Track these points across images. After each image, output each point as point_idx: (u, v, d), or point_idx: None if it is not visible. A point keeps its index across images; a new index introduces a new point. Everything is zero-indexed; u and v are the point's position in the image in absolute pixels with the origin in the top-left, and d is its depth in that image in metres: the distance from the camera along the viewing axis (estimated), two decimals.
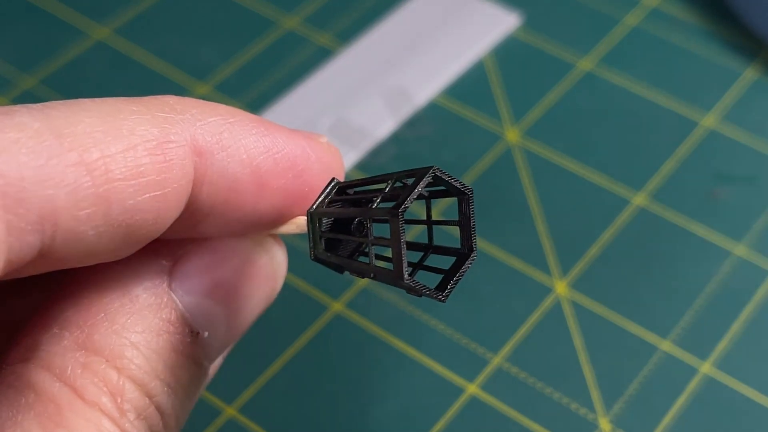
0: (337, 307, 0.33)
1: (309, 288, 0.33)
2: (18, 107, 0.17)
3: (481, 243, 0.34)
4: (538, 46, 0.41)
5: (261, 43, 0.41)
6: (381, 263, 0.19)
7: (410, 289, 0.19)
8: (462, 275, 0.19)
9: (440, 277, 0.19)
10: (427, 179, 0.18)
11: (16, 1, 0.42)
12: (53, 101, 0.18)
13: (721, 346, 0.32)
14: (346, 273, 0.21)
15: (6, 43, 0.41)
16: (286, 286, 0.33)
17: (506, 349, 0.32)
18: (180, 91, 0.39)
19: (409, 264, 0.19)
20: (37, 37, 0.41)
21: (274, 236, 0.23)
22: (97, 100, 0.18)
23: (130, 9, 0.42)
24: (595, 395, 0.31)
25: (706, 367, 0.31)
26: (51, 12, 0.42)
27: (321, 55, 0.40)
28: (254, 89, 0.39)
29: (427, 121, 0.38)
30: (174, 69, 0.40)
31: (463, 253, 0.20)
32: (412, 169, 0.19)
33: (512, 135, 0.38)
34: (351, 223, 0.21)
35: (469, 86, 0.39)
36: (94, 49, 0.41)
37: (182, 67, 0.40)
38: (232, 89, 0.39)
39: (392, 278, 0.18)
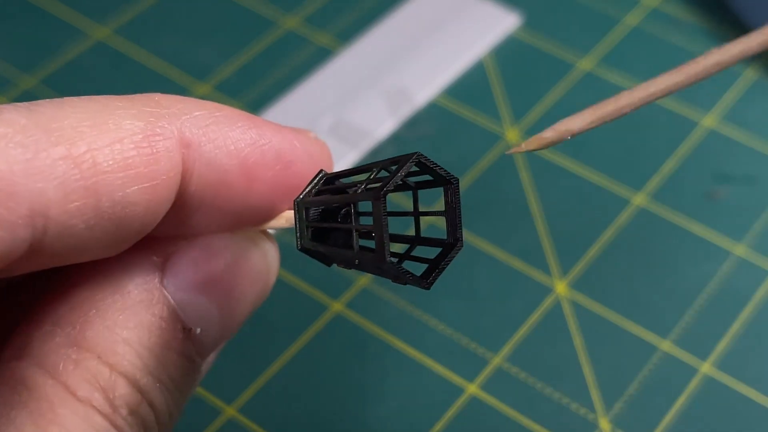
0: (337, 307, 0.33)
1: (309, 288, 0.33)
2: (4, 105, 0.18)
3: (481, 243, 0.34)
4: (538, 46, 0.41)
5: (261, 43, 0.41)
6: (366, 253, 0.19)
7: (395, 277, 0.19)
8: (447, 264, 0.19)
9: (425, 267, 0.19)
10: (410, 165, 0.18)
11: (16, 1, 0.42)
12: (40, 100, 0.18)
13: (721, 346, 0.32)
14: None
15: (6, 43, 0.41)
16: (287, 286, 0.33)
17: (506, 349, 0.32)
18: (180, 91, 0.39)
19: (396, 255, 0.19)
20: (37, 37, 0.41)
21: (266, 232, 0.23)
22: (83, 97, 0.19)
23: (130, 9, 0.42)
24: (595, 395, 0.31)
25: (706, 367, 0.31)
26: (51, 12, 0.42)
27: (321, 55, 0.40)
28: (254, 89, 0.39)
29: (427, 121, 0.38)
30: (174, 69, 0.40)
31: (449, 243, 0.20)
32: (396, 157, 0.19)
33: (512, 135, 0.38)
34: (338, 214, 0.21)
35: (469, 86, 0.39)
36: (94, 49, 0.41)
37: (182, 67, 0.40)
38: (232, 89, 0.39)
39: (376, 263, 0.18)
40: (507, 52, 0.40)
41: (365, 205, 0.19)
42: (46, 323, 0.19)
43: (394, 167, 0.19)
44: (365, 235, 0.19)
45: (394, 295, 0.33)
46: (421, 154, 0.19)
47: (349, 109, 0.38)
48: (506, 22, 0.41)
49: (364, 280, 0.33)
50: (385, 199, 0.18)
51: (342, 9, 0.42)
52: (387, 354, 0.32)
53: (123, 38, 0.41)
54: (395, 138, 0.37)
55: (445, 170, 0.19)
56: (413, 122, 0.38)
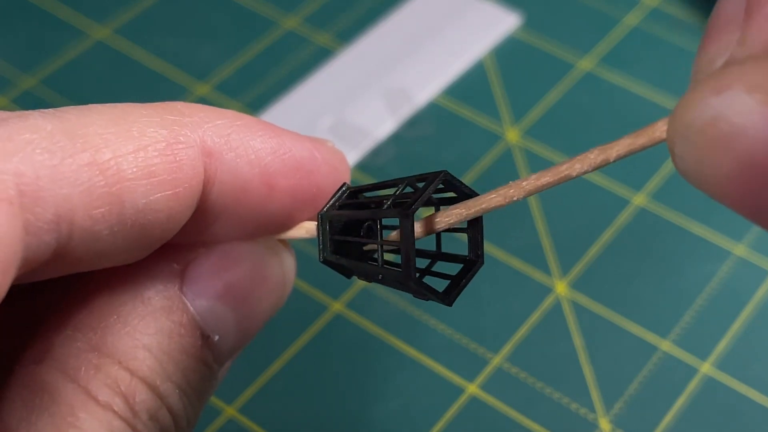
0: (337, 307, 0.33)
1: (309, 288, 0.33)
2: (30, 111, 0.18)
3: None
4: (538, 46, 0.41)
5: (261, 43, 0.41)
6: (391, 268, 0.19)
7: (417, 292, 0.19)
8: (468, 281, 0.19)
9: (446, 283, 0.20)
10: (437, 182, 0.19)
11: (16, 1, 0.42)
12: (65, 107, 0.18)
13: (721, 346, 0.32)
14: (353, 277, 0.21)
15: (6, 43, 0.41)
16: None
17: (506, 349, 0.32)
18: (180, 90, 0.39)
19: (417, 269, 0.19)
20: (37, 37, 0.41)
21: (284, 241, 0.23)
22: (107, 104, 0.19)
23: (130, 9, 0.42)
24: (595, 395, 0.31)
25: (706, 367, 0.31)
26: (51, 12, 0.42)
27: (321, 55, 0.40)
28: (254, 89, 0.39)
29: (427, 121, 0.38)
30: (174, 69, 0.40)
31: (471, 260, 0.20)
32: (422, 174, 0.19)
33: (512, 135, 0.38)
34: (361, 228, 0.21)
35: (469, 86, 0.39)
36: (94, 49, 0.41)
37: (182, 67, 0.40)
38: (232, 89, 0.39)
39: (400, 279, 0.18)
40: (507, 52, 0.40)
41: (389, 219, 0.20)
42: (66, 328, 0.20)
43: (419, 184, 0.19)
44: (387, 249, 0.19)
45: (394, 295, 0.33)
46: (448, 173, 0.19)
47: (349, 109, 0.38)
48: (506, 22, 0.41)
49: None
50: (413, 217, 0.18)
51: (342, 9, 0.42)
52: (387, 354, 0.32)
53: (123, 38, 0.41)
54: (395, 138, 0.38)
55: (470, 188, 0.19)
56: (413, 122, 0.38)
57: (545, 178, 0.18)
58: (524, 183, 0.19)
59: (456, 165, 0.37)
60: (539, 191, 0.19)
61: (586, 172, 0.18)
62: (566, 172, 0.18)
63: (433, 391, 0.31)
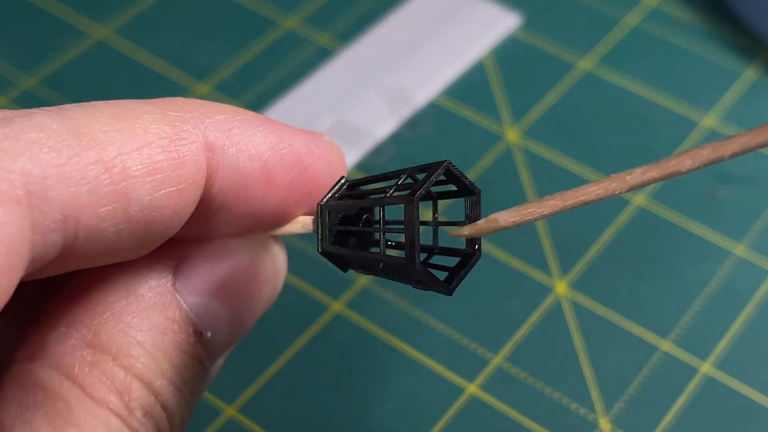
0: (337, 307, 0.33)
1: (309, 288, 0.33)
2: (35, 110, 0.18)
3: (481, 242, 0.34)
4: (538, 46, 0.41)
5: (261, 43, 0.41)
6: (393, 257, 0.19)
7: (418, 281, 0.19)
8: (468, 271, 0.20)
9: (445, 275, 0.20)
10: (441, 171, 0.19)
11: (16, 1, 0.42)
12: (68, 104, 0.18)
13: (721, 346, 0.32)
14: (350, 272, 0.21)
15: (6, 43, 0.41)
16: (286, 286, 0.33)
17: (506, 349, 0.32)
18: (180, 91, 0.39)
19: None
20: (37, 37, 0.41)
21: (276, 238, 0.23)
22: (109, 102, 0.19)
23: (130, 9, 0.42)
24: (595, 395, 0.31)
25: (706, 367, 0.31)
26: (51, 12, 0.42)
27: (321, 55, 0.40)
28: (254, 89, 0.39)
29: (427, 121, 0.38)
30: (174, 69, 0.40)
31: (468, 253, 0.20)
32: (424, 164, 0.19)
33: (512, 135, 0.38)
34: (359, 220, 0.21)
35: (469, 86, 0.39)
36: (94, 49, 0.41)
37: (182, 67, 0.40)
38: (232, 89, 0.39)
39: (403, 266, 0.18)
40: (507, 52, 0.40)
41: (389, 212, 0.20)
42: (59, 325, 0.20)
43: (419, 175, 0.19)
44: (389, 240, 0.19)
45: (394, 295, 0.33)
46: (450, 163, 0.19)
47: (349, 109, 0.38)
48: (506, 22, 0.41)
49: (364, 280, 0.33)
50: (418, 204, 0.18)
51: (342, 9, 0.42)
52: (387, 354, 0.32)
53: (123, 38, 0.41)
54: (395, 138, 0.38)
55: (470, 181, 0.19)
56: (413, 122, 0.38)
57: (652, 173, 0.18)
58: (628, 177, 0.18)
59: (456, 165, 0.36)
60: (643, 186, 0.18)
61: (696, 169, 0.18)
62: (675, 168, 0.18)
63: (433, 391, 0.31)
